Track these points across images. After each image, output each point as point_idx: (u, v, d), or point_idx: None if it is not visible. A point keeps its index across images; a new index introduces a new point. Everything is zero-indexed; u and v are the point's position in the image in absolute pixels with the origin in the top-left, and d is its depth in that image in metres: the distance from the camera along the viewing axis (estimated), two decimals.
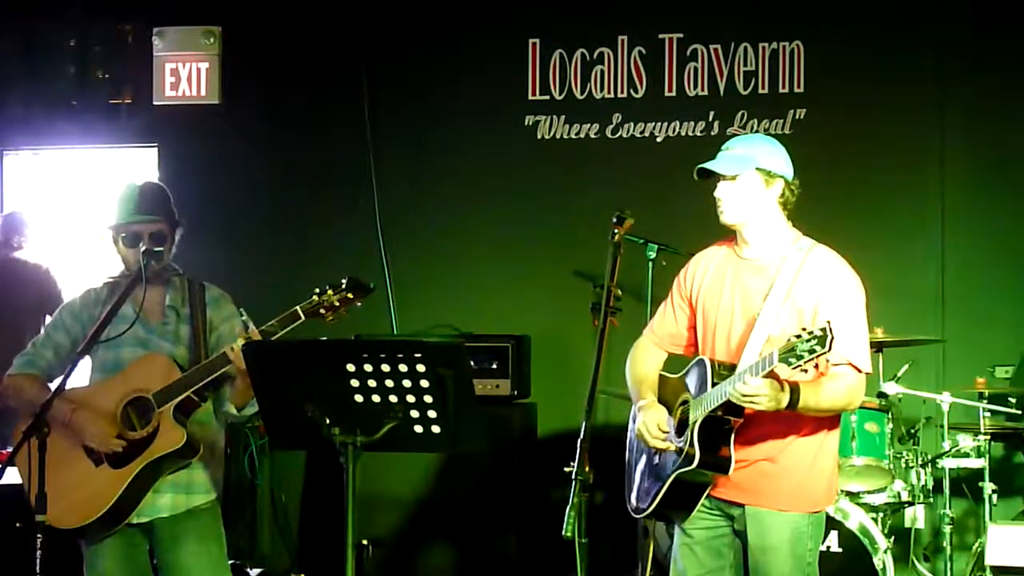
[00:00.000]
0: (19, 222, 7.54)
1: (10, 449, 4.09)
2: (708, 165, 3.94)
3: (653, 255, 5.84)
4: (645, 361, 4.20)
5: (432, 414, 3.59)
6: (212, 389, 4.22)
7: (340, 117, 7.05)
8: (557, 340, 6.59)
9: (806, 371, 3.58)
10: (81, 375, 4.34)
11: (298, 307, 4.00)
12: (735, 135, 4.41)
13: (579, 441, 3.73)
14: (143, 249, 4.26)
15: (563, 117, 6.84)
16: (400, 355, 3.54)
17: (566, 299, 6.50)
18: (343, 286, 3.97)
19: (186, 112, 7.23)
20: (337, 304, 3.96)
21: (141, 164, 7.42)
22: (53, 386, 4.19)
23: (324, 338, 4.05)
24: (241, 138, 7.13)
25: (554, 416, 6.46)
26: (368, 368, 3.56)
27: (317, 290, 3.99)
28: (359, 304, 4.01)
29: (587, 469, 3.67)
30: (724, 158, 3.95)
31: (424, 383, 3.55)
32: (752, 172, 3.91)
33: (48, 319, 4.67)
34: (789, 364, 3.53)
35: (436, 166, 7.00)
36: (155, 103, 7.27)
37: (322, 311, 3.97)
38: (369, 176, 6.99)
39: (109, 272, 4.46)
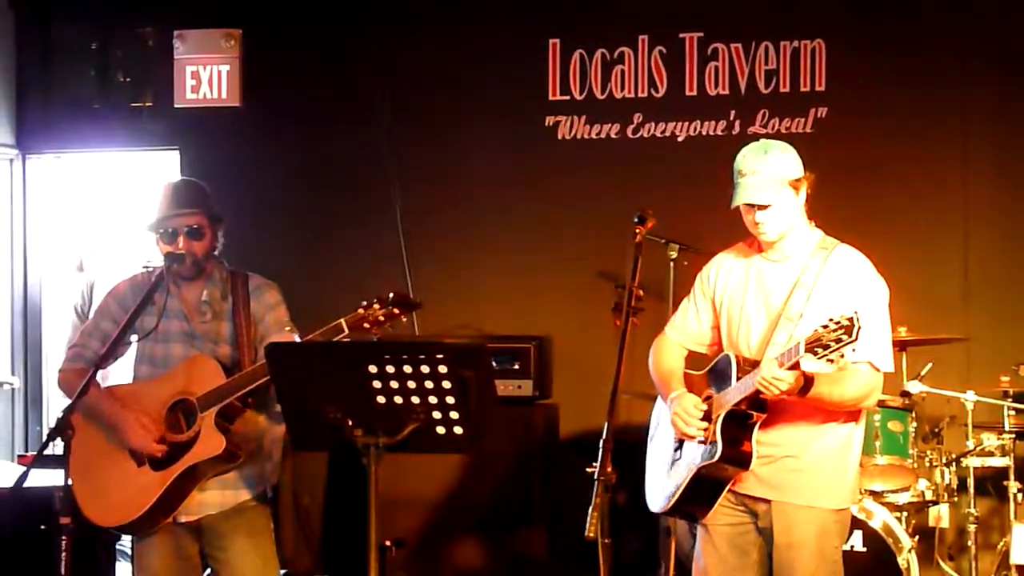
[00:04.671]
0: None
1: (34, 453, 4.12)
2: (744, 200, 3.91)
3: (675, 255, 5.83)
4: (669, 356, 4.21)
5: (454, 415, 3.60)
6: (258, 393, 4.22)
7: (361, 119, 7.04)
8: (579, 341, 6.57)
9: (832, 361, 3.58)
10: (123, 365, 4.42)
11: (342, 320, 4.00)
12: (757, 135, 4.40)
13: (601, 441, 3.74)
14: (166, 253, 4.31)
15: (584, 117, 6.81)
16: (422, 356, 3.55)
17: (588, 300, 6.48)
18: (389, 301, 3.98)
19: (207, 115, 7.23)
20: (382, 319, 3.97)
21: (163, 168, 7.44)
22: (104, 378, 4.27)
23: (346, 339, 4.03)
24: (262, 141, 7.14)
25: (576, 417, 6.44)
26: (390, 369, 3.57)
27: (364, 303, 4.00)
28: (404, 320, 4.00)
29: (609, 470, 3.69)
30: (757, 185, 3.90)
31: (446, 384, 3.56)
32: (783, 189, 3.91)
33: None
34: (816, 355, 3.53)
35: (457, 167, 6.98)
36: (176, 106, 7.26)
37: (366, 325, 3.98)
38: (390, 178, 6.98)
39: (153, 261, 4.51)
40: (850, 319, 3.48)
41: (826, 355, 3.52)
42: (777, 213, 3.91)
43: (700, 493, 3.98)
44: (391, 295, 3.98)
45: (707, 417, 3.94)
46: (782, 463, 3.93)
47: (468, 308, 6.78)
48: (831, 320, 3.53)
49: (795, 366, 3.64)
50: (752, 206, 3.91)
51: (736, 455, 3.87)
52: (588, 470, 3.76)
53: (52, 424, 4.07)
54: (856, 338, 3.48)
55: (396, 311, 3.96)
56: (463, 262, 6.93)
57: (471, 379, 3.56)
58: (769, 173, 3.89)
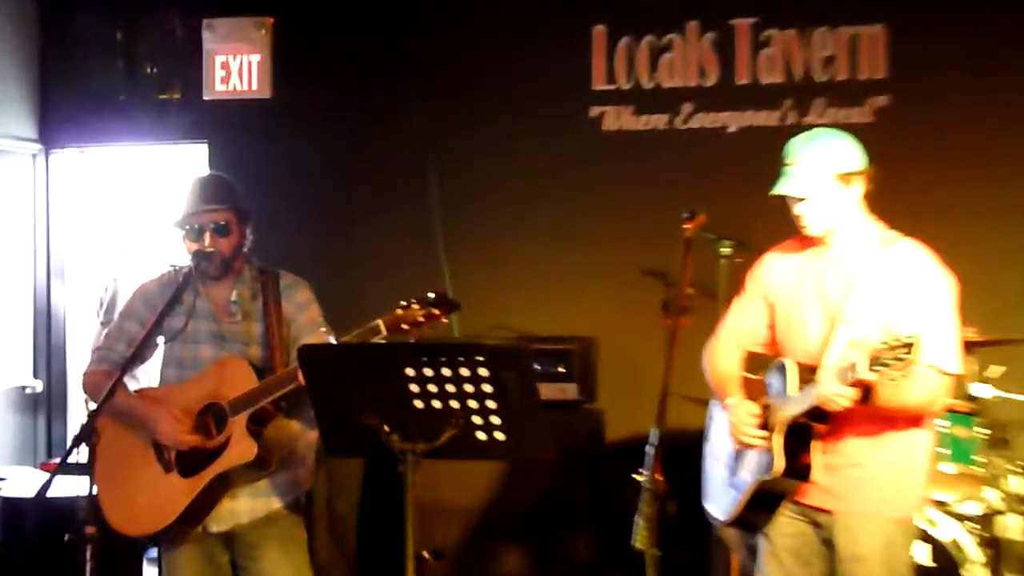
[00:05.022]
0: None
1: (58, 460, 4.15)
2: (780, 190, 3.90)
3: (727, 251, 5.79)
4: (725, 358, 4.20)
5: (495, 420, 3.60)
6: (290, 397, 4.23)
7: (397, 111, 7.05)
8: (626, 342, 6.54)
9: (893, 380, 3.54)
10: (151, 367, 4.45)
11: (379, 320, 3.99)
12: (812, 126, 4.35)
13: (649, 447, 3.73)
14: (193, 252, 4.33)
15: (630, 108, 6.77)
16: (461, 358, 3.55)
17: (635, 298, 6.41)
18: (429, 301, 3.96)
19: (237, 107, 7.26)
20: (421, 320, 3.95)
21: (190, 162, 7.48)
22: (133, 383, 4.30)
23: (382, 341, 4.02)
24: (294, 134, 7.15)
25: (623, 422, 6.41)
26: (428, 372, 3.57)
27: (402, 303, 3.98)
28: (445, 321, 3.98)
29: (658, 477, 3.68)
30: (795, 176, 3.89)
31: (487, 388, 3.56)
32: (828, 181, 3.87)
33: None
34: (876, 373, 3.50)
35: (497, 161, 6.96)
36: (205, 98, 7.30)
37: (404, 326, 3.96)
38: (427, 173, 6.98)
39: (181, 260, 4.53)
40: (910, 340, 3.44)
41: (885, 373, 3.49)
42: (819, 206, 3.89)
43: (761, 504, 3.98)
44: (430, 295, 3.97)
45: (765, 425, 3.92)
46: (845, 472, 3.90)
47: (509, 308, 6.76)
48: (891, 338, 3.49)
49: (857, 382, 3.62)
50: (791, 197, 3.90)
51: (796, 468, 3.85)
52: (636, 477, 3.75)
53: (76, 430, 4.07)
54: (917, 359, 3.45)
55: (436, 312, 3.95)
56: (504, 260, 6.91)
57: (512, 382, 3.55)
58: (813, 163, 3.87)
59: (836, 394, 3.65)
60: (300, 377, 3.91)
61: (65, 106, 7.61)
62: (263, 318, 4.41)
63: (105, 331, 4.66)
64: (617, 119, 6.81)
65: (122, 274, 7.19)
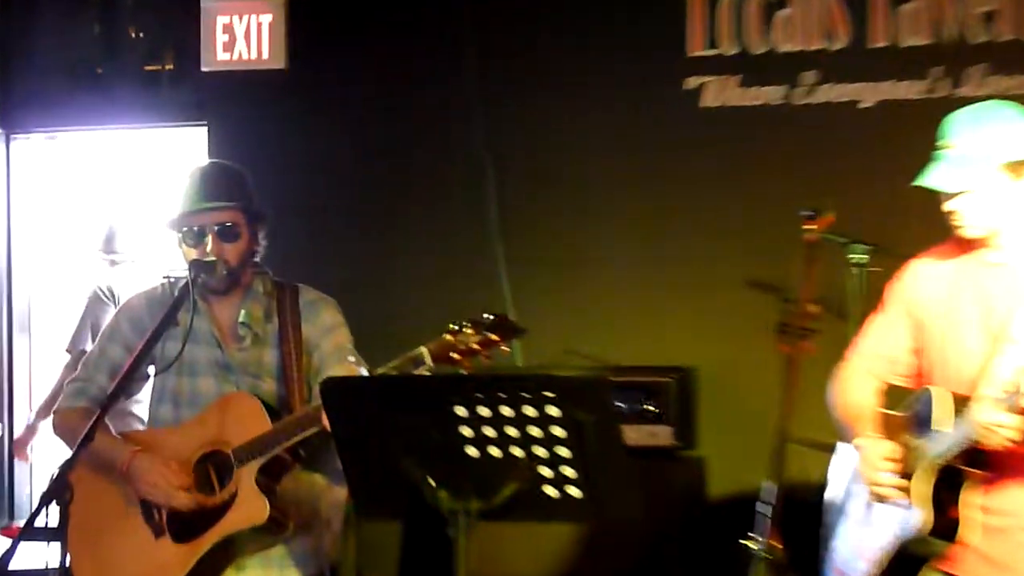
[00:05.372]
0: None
1: (21, 524, 4.20)
2: (929, 182, 3.89)
3: (860, 258, 5.78)
4: (857, 390, 4.19)
5: (568, 472, 3.60)
6: (311, 444, 4.27)
7: (446, 88, 7.09)
8: (731, 372, 6.55)
9: None
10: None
11: (423, 348, 4.01)
12: (968, 100, 4.33)
13: (762, 506, 3.73)
14: (191, 260, 4.37)
15: (736, 79, 6.80)
16: (526, 394, 3.55)
17: (743, 319, 6.43)
18: (485, 323, 3.97)
19: (244, 82, 7.32)
20: (476, 347, 3.96)
21: (186, 149, 7.56)
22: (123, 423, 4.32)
23: (426, 372, 4.05)
24: (315, 115, 7.21)
25: (729, 473, 6.41)
26: (484, 411, 3.57)
27: (452, 326, 3.99)
28: (505, 349, 4.00)
29: (774, 543, 3.67)
30: (951, 164, 3.86)
31: (557, 431, 3.56)
32: (993, 172, 3.86)
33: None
34: None
35: (567, 148, 6.99)
36: (203, 70, 7.36)
37: (455, 355, 3.97)
38: (483, 166, 7.03)
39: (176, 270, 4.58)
40: None
41: None
42: (981, 202, 3.87)
43: (898, 573, 3.96)
44: (487, 316, 3.99)
45: (906, 474, 3.91)
46: (1013, 536, 3.87)
47: (585, 331, 6.78)
48: None
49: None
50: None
51: (947, 525, 3.83)
52: (745, 543, 3.75)
53: (45, 484, 4.05)
54: None
55: (494, 337, 3.97)
56: (578, 270, 6.93)
57: (590, 424, 3.55)
58: (975, 149, 3.84)
59: (998, 424, 3.62)
60: (324, 419, 3.90)
61: (29, 82, 7.67)
62: (278, 344, 4.44)
63: (83, 358, 4.71)
64: (720, 93, 6.82)
65: (103, 287, 7.19)
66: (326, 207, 7.18)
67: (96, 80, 7.54)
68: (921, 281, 4.14)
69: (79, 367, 4.63)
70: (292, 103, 7.28)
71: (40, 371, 7.83)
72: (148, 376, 4.54)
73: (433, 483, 3.64)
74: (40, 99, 7.67)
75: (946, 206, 3.92)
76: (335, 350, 4.42)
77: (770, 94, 6.78)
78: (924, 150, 4.01)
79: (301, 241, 6.71)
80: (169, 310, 4.34)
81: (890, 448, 3.96)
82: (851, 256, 5.75)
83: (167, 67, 7.48)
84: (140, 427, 4.58)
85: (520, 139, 7.07)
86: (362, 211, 7.21)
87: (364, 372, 4.20)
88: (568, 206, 7.00)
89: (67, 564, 4.03)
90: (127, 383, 4.34)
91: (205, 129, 7.42)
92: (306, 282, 4.68)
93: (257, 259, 4.54)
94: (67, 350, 7.05)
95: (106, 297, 7.10)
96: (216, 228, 4.40)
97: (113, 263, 7.34)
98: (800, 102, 6.74)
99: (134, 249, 7.37)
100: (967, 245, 4.03)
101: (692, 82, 6.86)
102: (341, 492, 4.39)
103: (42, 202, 7.92)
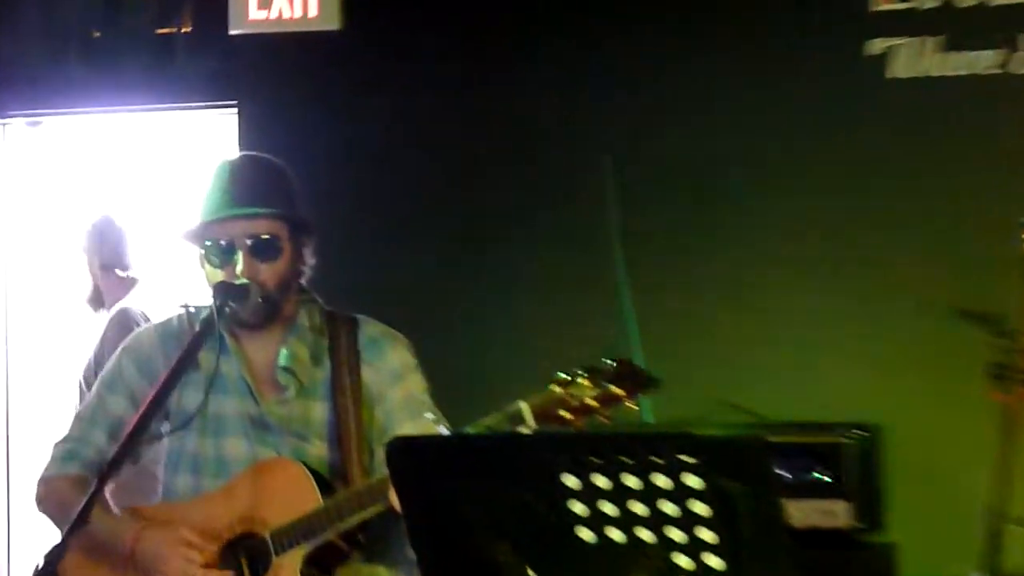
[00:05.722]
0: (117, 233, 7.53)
1: None
2: None
3: None
4: None
5: (714, 563, 3.52)
6: (372, 526, 4.26)
7: (548, 56, 7.10)
8: (929, 430, 6.50)
9: None
10: None
11: (523, 402, 4.00)
12: None
13: None
14: (216, 283, 4.34)
15: (935, 41, 6.75)
16: (657, 459, 3.47)
17: (943, 358, 6.43)
18: (605, 371, 3.96)
19: (285, 48, 7.37)
20: (593, 403, 3.96)
21: (210, 137, 7.66)
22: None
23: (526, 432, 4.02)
24: (377, 91, 7.22)
25: (928, 564, 6.31)
26: (602, 482, 3.50)
27: (561, 375, 3.97)
28: (632, 405, 3.97)
29: None
30: None
31: (699, 508, 3.47)
32: None
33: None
34: None
35: (711, 136, 6.99)
36: (232, 32, 7.41)
37: (564, 413, 3.97)
38: (598, 161, 6.97)
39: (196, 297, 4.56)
40: None
41: None
42: None
43: None
44: (608, 362, 3.98)
45: None
46: None
47: (735, 377, 6.75)
48: None
49: None
50: None
51: None
52: None
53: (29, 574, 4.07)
54: None
55: (617, 390, 3.97)
56: (725, 301, 6.93)
57: (743, 499, 3.47)
58: None
59: None
60: (391, 493, 3.90)
61: (9, 52, 7.69)
62: (331, 394, 4.43)
63: (76, 412, 4.70)
64: (915, 59, 6.79)
65: (135, 310, 7.19)
66: (392, 215, 7.21)
67: (91, 47, 7.57)
68: None
69: (72, 422, 4.60)
70: (347, 76, 7.32)
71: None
72: (161, 435, 4.51)
73: (533, 575, 3.57)
74: (20, 74, 7.71)
75: None
76: (406, 402, 4.44)
77: (980, 60, 6.74)
78: None
79: (358, 259, 6.75)
80: (188, 349, 4.33)
81: None
82: None
83: (184, 30, 7.56)
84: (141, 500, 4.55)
85: (646, 124, 7.07)
86: (439, 223, 7.23)
87: (444, 431, 4.18)
88: (710, 216, 7.00)
89: None
90: (133, 445, 4.32)
91: (234, 111, 7.46)
92: (368, 309, 4.66)
93: (303, 281, 4.47)
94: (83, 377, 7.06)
95: (141, 323, 7.04)
96: (249, 242, 4.37)
97: (126, 279, 7.27)
98: (1021, 71, 6.70)
99: (140, 266, 7.34)
100: None
101: (876, 45, 6.83)
102: None
103: (24, 203, 8.05)
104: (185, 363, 4.33)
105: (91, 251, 7.30)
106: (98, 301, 7.36)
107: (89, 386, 6.75)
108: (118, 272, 7.34)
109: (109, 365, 4.66)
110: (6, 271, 7.94)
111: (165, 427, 4.51)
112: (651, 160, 7.03)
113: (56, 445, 4.62)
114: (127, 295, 7.26)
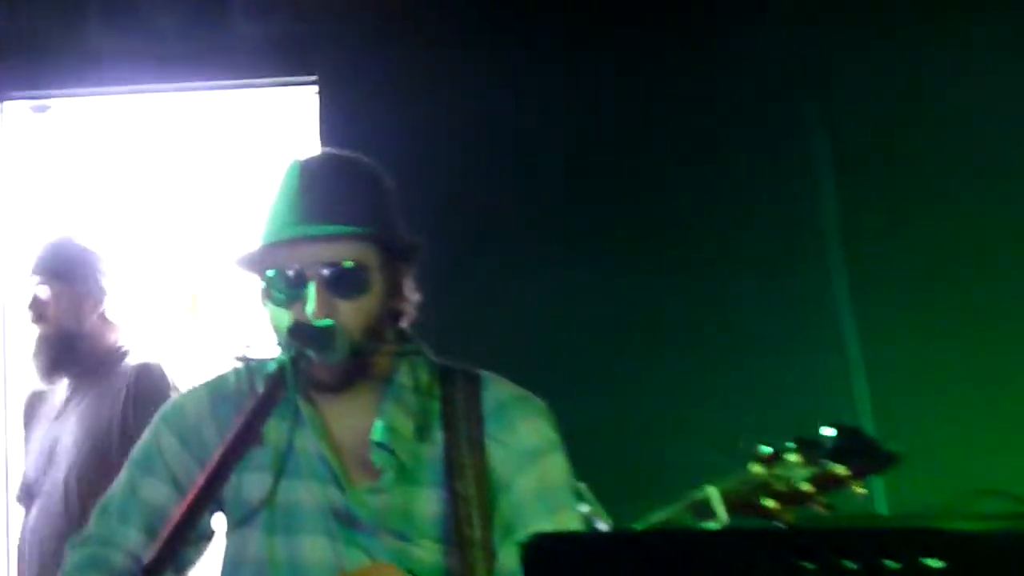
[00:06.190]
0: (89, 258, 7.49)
1: None
2: None
3: None
4: None
5: None
6: None
7: (738, 32, 7.17)
8: None
9: None
10: None
11: (712, 488, 4.06)
12: None
13: None
14: (291, 325, 4.30)
15: None
16: (892, 561, 3.48)
17: None
18: (824, 446, 4.03)
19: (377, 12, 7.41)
20: (808, 488, 4.03)
21: (278, 125, 7.74)
22: None
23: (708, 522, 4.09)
24: (508, 68, 7.30)
25: None
26: None
27: (765, 451, 4.05)
28: (861, 490, 4.02)
29: None
30: None
31: None
32: None
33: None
34: None
35: (947, 134, 7.09)
36: None
37: (768, 501, 4.05)
38: (814, 150, 7.06)
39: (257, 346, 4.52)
40: None
41: None
42: None
43: None
44: (826, 432, 4.04)
45: None
46: None
47: (999, 455, 6.78)
48: None
49: None
50: None
51: None
52: None
53: None
54: None
55: (840, 470, 4.01)
56: (984, 352, 6.97)
57: None
58: None
59: None
60: None
61: (6, 17, 7.84)
62: (444, 479, 4.40)
63: (99, 502, 4.72)
64: None
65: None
66: (525, 232, 7.23)
67: (114, 8, 7.65)
68: None
69: (94, 512, 4.61)
70: (465, 45, 7.39)
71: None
72: (213, 533, 4.52)
73: None
74: (21, 45, 7.84)
75: None
76: (541, 491, 4.42)
77: None
78: None
79: (478, 295, 6.75)
80: (249, 418, 4.28)
81: None
82: None
83: None
84: None
85: (872, 117, 7.15)
86: (586, 246, 7.26)
87: (602, 527, 4.19)
88: (951, 236, 7.06)
89: None
90: (177, 545, 4.28)
91: (313, 89, 7.52)
92: (482, 367, 4.58)
93: (403, 325, 4.47)
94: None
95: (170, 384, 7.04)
96: (325, 272, 4.33)
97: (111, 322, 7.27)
98: None
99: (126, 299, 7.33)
100: None
101: None
102: None
103: (24, 203, 8.17)
104: (246, 437, 4.30)
105: (66, 283, 7.17)
106: (68, 361, 7.20)
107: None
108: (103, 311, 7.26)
109: (144, 438, 4.61)
110: (6, 271, 8.04)
111: (221, 521, 4.54)
112: (881, 159, 7.13)
113: (74, 548, 4.58)
114: (120, 342, 7.20)
